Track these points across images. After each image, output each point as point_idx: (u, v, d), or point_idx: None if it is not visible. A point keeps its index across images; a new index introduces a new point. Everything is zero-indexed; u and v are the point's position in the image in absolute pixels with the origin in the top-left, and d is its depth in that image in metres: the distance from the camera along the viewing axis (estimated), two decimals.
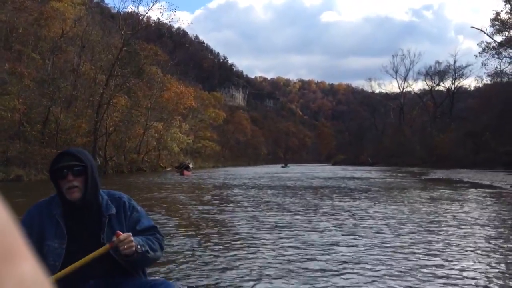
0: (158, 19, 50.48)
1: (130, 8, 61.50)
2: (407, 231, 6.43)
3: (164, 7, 67.22)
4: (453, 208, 9.44)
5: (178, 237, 6.11)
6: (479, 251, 5.04)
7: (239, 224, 7.33)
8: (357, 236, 6.01)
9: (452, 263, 4.46)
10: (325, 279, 3.93)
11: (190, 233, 6.49)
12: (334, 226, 6.94)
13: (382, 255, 4.81)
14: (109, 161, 33.40)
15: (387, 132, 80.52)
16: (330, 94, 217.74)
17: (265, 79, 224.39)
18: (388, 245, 5.38)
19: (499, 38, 47.38)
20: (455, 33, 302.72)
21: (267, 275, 4.06)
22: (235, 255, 4.91)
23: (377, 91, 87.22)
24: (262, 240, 5.77)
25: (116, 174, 31.55)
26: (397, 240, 5.71)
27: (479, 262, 4.54)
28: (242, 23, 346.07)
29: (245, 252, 5.07)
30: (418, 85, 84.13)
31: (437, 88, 68.79)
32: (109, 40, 40.67)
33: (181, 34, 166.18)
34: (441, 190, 14.76)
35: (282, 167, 58.68)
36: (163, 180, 22.59)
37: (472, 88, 68.10)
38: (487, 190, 14.56)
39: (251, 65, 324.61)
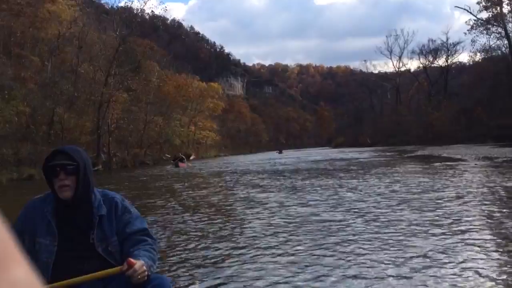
0: (152, 11, 51.29)
1: (124, 3, 62.21)
2: (359, 198, 7.83)
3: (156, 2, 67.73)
4: (401, 179, 11.52)
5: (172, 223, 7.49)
6: (395, 207, 6.40)
7: (228, 205, 8.71)
8: (320, 205, 7.40)
9: (382, 219, 5.83)
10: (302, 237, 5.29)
11: (183, 216, 7.86)
12: (305, 201, 8.33)
13: (338, 214, 6.20)
14: (113, 157, 34.83)
15: (385, 112, 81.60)
16: (329, 77, 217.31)
17: (263, 66, 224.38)
18: (341, 208, 6.77)
19: (487, 15, 48.11)
20: (450, 9, 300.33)
21: (255, 240, 5.42)
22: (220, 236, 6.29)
23: (375, 72, 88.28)
24: (243, 215, 7.16)
25: (120, 169, 33.01)
26: (349, 205, 7.09)
27: (396, 220, 5.89)
28: (236, 11, 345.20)
29: (229, 231, 6.45)
30: (413, 64, 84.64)
31: (433, 65, 69.57)
32: (106, 39, 41.79)
33: (176, 26, 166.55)
34: (409, 165, 16.77)
35: (278, 153, 60.07)
36: (160, 172, 23.99)
37: (468, 64, 68.86)
38: (449, 163, 16.21)
39: (248, 52, 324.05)
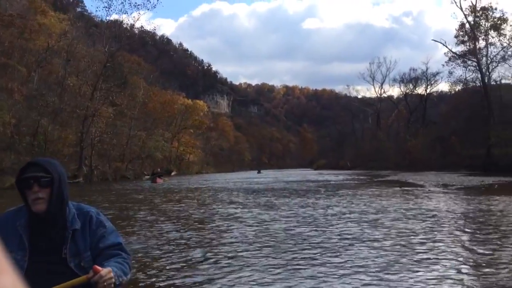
0: (142, 27, 52.08)
1: (114, 17, 62.92)
2: (318, 214, 8.71)
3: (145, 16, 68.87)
4: (363, 200, 12.98)
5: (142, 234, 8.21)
6: (354, 222, 7.27)
7: (202, 217, 9.47)
8: (283, 218, 8.21)
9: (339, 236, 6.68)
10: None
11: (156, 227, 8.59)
12: (270, 215, 9.16)
13: (300, 227, 7.03)
14: (94, 169, 35.19)
15: (366, 137, 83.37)
16: (314, 99, 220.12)
17: (249, 85, 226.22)
18: (301, 221, 7.62)
19: (464, 48, 50.19)
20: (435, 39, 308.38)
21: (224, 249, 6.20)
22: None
23: (359, 97, 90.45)
24: (215, 225, 7.94)
25: (101, 182, 33.36)
26: (312, 219, 7.93)
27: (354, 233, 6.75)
28: (226, 31, 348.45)
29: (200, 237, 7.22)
30: (395, 91, 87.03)
31: (415, 92, 71.46)
32: (94, 53, 42.46)
33: (165, 42, 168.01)
34: (371, 189, 18.02)
35: (257, 173, 61.29)
36: (140, 186, 24.57)
37: (449, 93, 70.93)
38: (407, 188, 17.55)
39: (235, 72, 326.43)
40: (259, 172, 61.24)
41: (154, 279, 4.45)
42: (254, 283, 4.17)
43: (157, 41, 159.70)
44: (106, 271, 1.91)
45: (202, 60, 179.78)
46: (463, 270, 4.51)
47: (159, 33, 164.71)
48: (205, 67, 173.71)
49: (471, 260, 4.98)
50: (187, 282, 4.31)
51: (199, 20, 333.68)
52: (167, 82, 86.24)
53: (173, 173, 50.83)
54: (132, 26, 45.33)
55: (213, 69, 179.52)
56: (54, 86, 36.93)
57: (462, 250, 5.57)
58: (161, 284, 4.26)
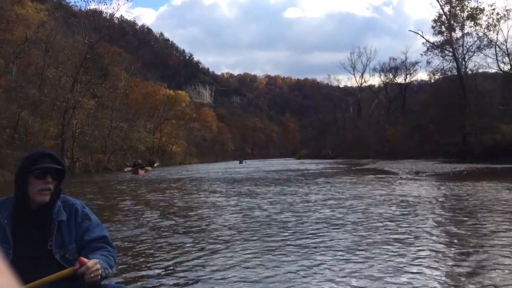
0: (122, 16, 51.57)
1: (93, 6, 62.00)
2: (294, 201, 9.18)
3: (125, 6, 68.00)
4: (331, 187, 13.85)
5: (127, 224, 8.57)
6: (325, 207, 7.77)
7: (181, 205, 9.85)
8: (264, 206, 8.66)
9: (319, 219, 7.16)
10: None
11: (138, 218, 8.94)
12: (251, 203, 9.61)
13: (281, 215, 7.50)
14: (76, 161, 35.14)
15: (347, 126, 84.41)
16: (296, 89, 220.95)
17: (231, 75, 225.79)
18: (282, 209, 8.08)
19: (441, 38, 51.15)
20: (414, 28, 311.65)
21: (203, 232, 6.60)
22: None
23: (341, 86, 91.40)
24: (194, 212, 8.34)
25: (83, 174, 33.37)
26: (290, 203, 8.41)
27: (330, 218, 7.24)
28: (207, 20, 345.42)
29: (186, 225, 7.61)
30: (376, 80, 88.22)
31: (395, 81, 72.45)
32: (73, 44, 42.02)
33: (146, 32, 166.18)
34: (347, 177, 18.87)
35: (240, 163, 61.49)
36: (122, 178, 24.75)
37: (429, 82, 71.95)
38: (381, 176, 18.28)
39: (217, 61, 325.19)
40: (240, 162, 61.54)
41: (143, 265, 4.64)
42: (235, 263, 4.49)
43: (137, 31, 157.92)
44: (92, 263, 1.91)
45: (184, 50, 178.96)
46: (435, 247, 4.90)
47: (139, 22, 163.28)
48: (187, 57, 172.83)
49: (439, 237, 5.49)
50: (177, 266, 4.52)
51: (179, 10, 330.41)
52: (149, 73, 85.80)
53: (156, 164, 50.76)
54: (112, 15, 44.96)
55: (195, 59, 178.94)
56: (33, 78, 36.50)
57: (432, 229, 6.07)
58: (151, 269, 4.45)
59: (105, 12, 43.82)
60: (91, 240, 2.16)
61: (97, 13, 44.02)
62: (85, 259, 1.91)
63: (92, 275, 1.89)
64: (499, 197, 9.44)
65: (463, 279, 3.73)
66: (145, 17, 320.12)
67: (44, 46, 38.82)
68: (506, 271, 3.93)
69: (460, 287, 3.56)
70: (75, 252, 2.13)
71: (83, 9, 44.10)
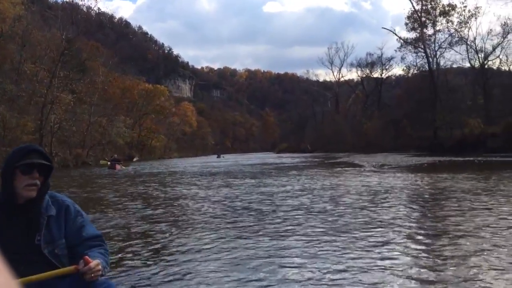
0: (99, 9, 51.25)
1: None
2: (267, 191, 9.99)
3: None
4: (300, 178, 14.86)
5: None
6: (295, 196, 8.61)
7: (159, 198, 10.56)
8: (240, 196, 9.44)
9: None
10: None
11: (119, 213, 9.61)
12: (227, 194, 10.39)
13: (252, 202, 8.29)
14: (54, 156, 35.27)
15: (325, 120, 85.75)
16: (276, 83, 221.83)
17: (211, 69, 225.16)
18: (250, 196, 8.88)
19: (415, 35, 52.75)
20: (392, 24, 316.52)
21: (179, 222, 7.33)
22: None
23: (321, 80, 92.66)
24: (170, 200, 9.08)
25: (62, 169, 33.54)
26: (260, 192, 9.21)
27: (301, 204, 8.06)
28: (186, 13, 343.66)
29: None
30: (353, 75, 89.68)
31: (372, 76, 73.84)
32: (50, 38, 41.79)
33: (124, 25, 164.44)
34: (318, 169, 20.10)
35: (217, 157, 61.92)
36: (101, 172, 25.19)
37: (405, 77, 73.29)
38: (348, 168, 19.50)
39: (197, 55, 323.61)
40: (218, 157, 61.77)
41: (134, 249, 5.04)
42: (216, 246, 5.00)
43: (115, 24, 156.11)
44: (95, 263, 1.93)
45: (163, 43, 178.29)
46: (399, 230, 5.48)
47: (117, 15, 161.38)
48: (166, 51, 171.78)
49: (401, 221, 6.21)
50: (159, 251, 4.92)
51: (158, 2, 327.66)
52: (127, 67, 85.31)
53: (135, 159, 51.25)
54: (89, 8, 44.74)
55: (174, 53, 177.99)
56: (10, 73, 36.40)
57: (387, 214, 6.81)
58: (136, 256, 4.78)
59: (82, 5, 43.55)
60: (88, 238, 2.18)
61: (74, 6, 43.68)
62: (89, 259, 1.94)
63: (93, 275, 1.93)
64: (445, 186, 10.49)
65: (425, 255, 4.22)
66: (123, 9, 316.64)
67: (20, 40, 38.59)
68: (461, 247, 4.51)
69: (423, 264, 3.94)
70: (64, 248, 2.16)
71: (59, 1, 43.56)
